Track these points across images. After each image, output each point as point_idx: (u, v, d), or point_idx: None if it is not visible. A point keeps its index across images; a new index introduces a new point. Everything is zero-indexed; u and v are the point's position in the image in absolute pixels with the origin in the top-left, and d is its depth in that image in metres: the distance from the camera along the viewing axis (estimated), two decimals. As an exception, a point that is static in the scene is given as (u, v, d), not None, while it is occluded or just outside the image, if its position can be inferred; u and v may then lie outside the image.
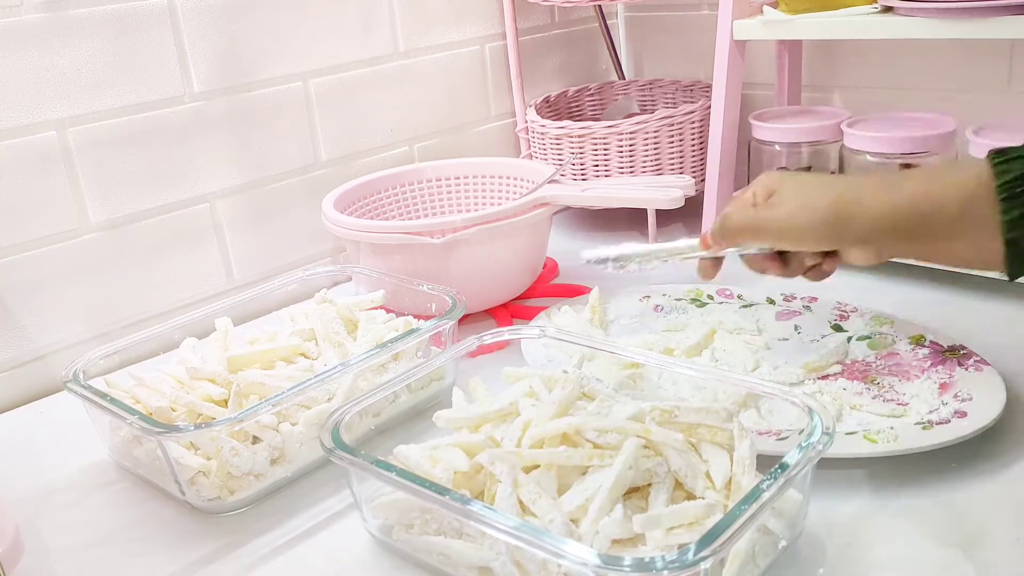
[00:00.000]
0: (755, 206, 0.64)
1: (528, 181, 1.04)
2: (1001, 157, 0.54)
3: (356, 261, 0.94)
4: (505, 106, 1.28)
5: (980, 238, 0.55)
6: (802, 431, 0.57)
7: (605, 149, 1.13)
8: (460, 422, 0.63)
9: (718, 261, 0.70)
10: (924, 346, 0.76)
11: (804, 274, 0.67)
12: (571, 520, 0.52)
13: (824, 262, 0.66)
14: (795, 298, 0.88)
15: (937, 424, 0.65)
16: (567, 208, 1.23)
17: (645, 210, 1.15)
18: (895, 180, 0.60)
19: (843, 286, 0.93)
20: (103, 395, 0.69)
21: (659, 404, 0.59)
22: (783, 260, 0.67)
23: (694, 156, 1.16)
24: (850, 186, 0.60)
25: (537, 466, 0.56)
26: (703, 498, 0.54)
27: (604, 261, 0.72)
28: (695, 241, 0.70)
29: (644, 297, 0.92)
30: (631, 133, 1.12)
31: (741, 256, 0.68)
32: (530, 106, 1.24)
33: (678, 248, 0.70)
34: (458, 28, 1.20)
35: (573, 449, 0.56)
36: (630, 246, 0.71)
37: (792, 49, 1.16)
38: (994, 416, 0.64)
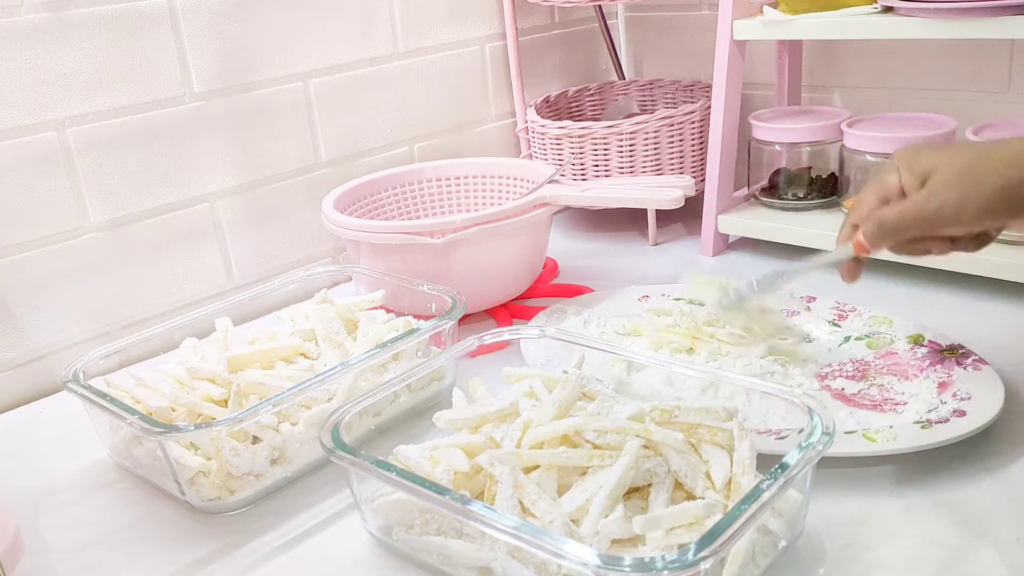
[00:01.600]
0: (904, 196, 0.60)
1: (528, 181, 1.04)
2: None
3: (356, 261, 0.94)
4: (505, 106, 1.28)
5: None
6: (802, 431, 0.57)
7: (605, 149, 1.13)
8: (460, 423, 0.63)
9: (862, 261, 0.65)
10: (923, 345, 0.77)
11: (968, 245, 0.63)
12: (571, 520, 0.52)
13: (991, 228, 0.62)
14: (794, 298, 0.88)
15: (936, 423, 0.65)
16: (567, 208, 1.23)
17: (645, 210, 1.15)
18: None
19: (842, 286, 0.93)
20: (103, 395, 0.69)
21: (659, 404, 0.59)
22: (949, 238, 0.62)
23: (694, 156, 1.16)
24: (1017, 157, 0.56)
25: (537, 467, 0.56)
26: (703, 498, 0.54)
27: (771, 282, 0.70)
28: (847, 247, 0.65)
29: (643, 297, 0.92)
30: (631, 133, 1.12)
31: (891, 249, 0.64)
32: (530, 106, 1.24)
33: (831, 259, 0.67)
34: (458, 28, 1.20)
35: (573, 450, 0.56)
36: (783, 268, 0.71)
37: (792, 49, 1.16)
38: (993, 415, 0.64)
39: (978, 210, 0.57)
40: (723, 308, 0.72)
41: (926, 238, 0.62)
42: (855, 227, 0.64)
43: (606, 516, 0.52)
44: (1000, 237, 0.87)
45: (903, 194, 0.61)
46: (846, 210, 1.00)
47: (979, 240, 0.63)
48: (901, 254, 0.64)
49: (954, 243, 0.63)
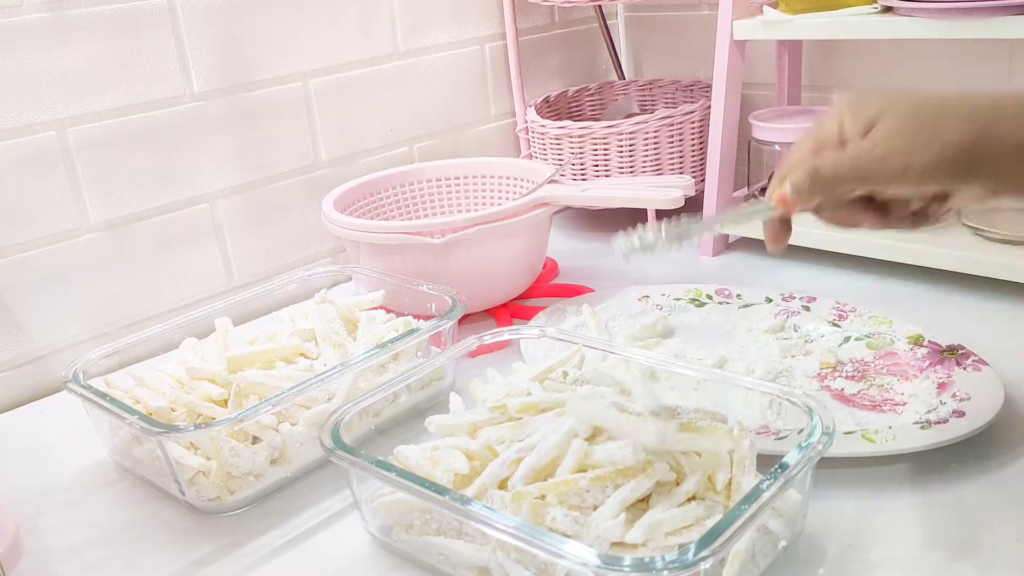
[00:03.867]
0: (845, 144, 0.52)
1: (528, 181, 1.04)
2: None
3: (356, 261, 0.94)
4: (505, 106, 1.28)
5: None
6: (802, 431, 0.57)
7: (605, 149, 1.13)
8: (452, 428, 0.62)
9: (789, 224, 0.57)
10: (922, 346, 0.77)
11: (903, 223, 0.56)
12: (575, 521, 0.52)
13: (931, 204, 0.55)
14: (794, 298, 0.88)
15: (935, 424, 0.65)
16: (567, 208, 1.23)
17: (645, 210, 1.15)
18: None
19: (842, 286, 0.94)
20: (103, 395, 0.69)
21: (658, 404, 0.59)
22: (883, 208, 0.55)
23: (694, 156, 1.16)
24: (979, 111, 0.48)
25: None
26: (703, 499, 0.54)
27: (652, 243, 0.56)
28: (764, 203, 0.56)
29: (643, 297, 0.92)
30: (631, 133, 1.12)
31: (819, 213, 0.57)
32: (530, 106, 1.24)
33: (743, 214, 0.58)
34: (458, 28, 1.20)
35: (582, 475, 0.55)
36: (685, 221, 0.56)
37: (792, 49, 1.16)
38: (992, 416, 0.64)
39: (928, 165, 0.48)
40: (626, 254, 0.58)
41: (860, 202, 0.54)
42: (782, 178, 0.55)
43: (615, 517, 0.52)
44: (1000, 237, 0.89)
45: (843, 143, 0.52)
46: (846, 210, 1.00)
47: (917, 217, 0.56)
48: (827, 221, 0.56)
49: (887, 216, 0.55)
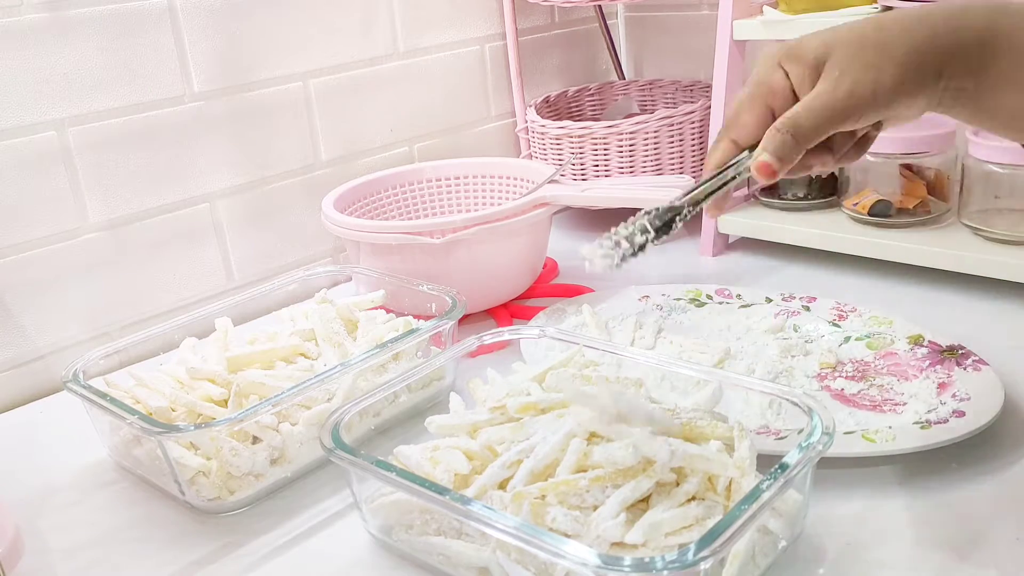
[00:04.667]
0: (795, 96, 0.52)
1: (528, 181, 1.04)
2: None
3: (356, 261, 0.94)
4: (505, 106, 1.28)
5: None
6: (802, 431, 0.57)
7: (605, 149, 1.13)
8: (452, 429, 0.62)
9: (729, 190, 0.56)
10: (923, 346, 0.77)
11: (848, 156, 0.56)
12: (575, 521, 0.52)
13: (870, 130, 0.55)
14: (794, 298, 0.88)
15: (935, 424, 0.65)
16: (567, 208, 1.23)
17: (645, 210, 1.15)
18: (962, 6, 0.50)
19: (842, 286, 0.94)
20: (103, 395, 0.68)
21: (658, 405, 0.59)
22: (828, 146, 0.54)
23: (694, 156, 1.16)
24: (915, 20, 0.49)
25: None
26: (703, 499, 0.54)
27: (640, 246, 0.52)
28: (745, 167, 0.54)
29: (643, 297, 0.92)
30: (631, 133, 1.12)
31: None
32: (530, 106, 1.24)
33: (710, 189, 0.55)
34: (458, 28, 1.20)
35: (582, 475, 0.55)
36: (651, 214, 0.52)
37: (792, 49, 1.16)
38: (992, 416, 0.64)
39: (894, 79, 0.49)
40: (614, 267, 0.53)
41: (816, 152, 0.54)
42: (734, 143, 0.54)
43: (615, 518, 0.52)
44: (1000, 237, 0.89)
45: (793, 93, 0.52)
46: (846, 210, 1.00)
47: (861, 144, 0.56)
48: (792, 172, 0.54)
49: (833, 152, 0.55)
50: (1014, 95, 0.49)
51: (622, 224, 0.51)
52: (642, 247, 0.51)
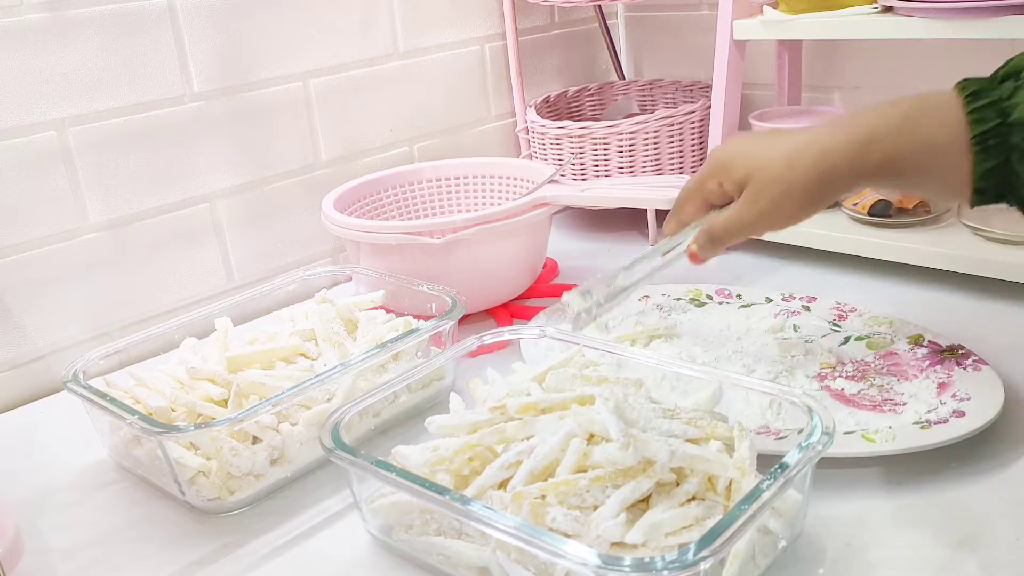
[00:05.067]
0: (727, 199, 0.65)
1: (528, 181, 1.04)
2: (974, 102, 0.55)
3: (356, 261, 0.94)
4: (505, 106, 1.28)
5: (949, 181, 0.57)
6: (801, 431, 0.57)
7: (605, 149, 1.13)
8: (451, 429, 0.62)
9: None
10: (923, 346, 0.77)
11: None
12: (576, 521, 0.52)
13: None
14: (794, 298, 0.88)
15: (935, 424, 0.65)
16: (567, 208, 1.23)
17: (645, 210, 1.15)
18: (863, 141, 0.59)
19: (842, 286, 0.94)
20: (103, 395, 0.69)
21: (658, 405, 0.59)
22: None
23: (694, 156, 1.16)
24: (819, 156, 0.60)
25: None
26: (703, 499, 0.54)
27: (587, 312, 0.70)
28: (681, 254, 0.71)
29: (644, 297, 0.92)
30: (631, 133, 1.12)
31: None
32: (530, 106, 1.24)
33: (669, 259, 0.72)
34: (458, 28, 1.20)
35: (582, 475, 0.55)
36: (619, 281, 0.71)
37: (792, 49, 1.16)
38: (992, 416, 0.64)
39: (794, 207, 0.62)
40: (580, 327, 0.72)
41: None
42: (681, 223, 0.70)
43: (615, 518, 0.52)
44: (999, 237, 0.89)
45: (726, 197, 0.66)
46: (845, 210, 1.00)
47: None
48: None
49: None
50: (927, 191, 0.62)
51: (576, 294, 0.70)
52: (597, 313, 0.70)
